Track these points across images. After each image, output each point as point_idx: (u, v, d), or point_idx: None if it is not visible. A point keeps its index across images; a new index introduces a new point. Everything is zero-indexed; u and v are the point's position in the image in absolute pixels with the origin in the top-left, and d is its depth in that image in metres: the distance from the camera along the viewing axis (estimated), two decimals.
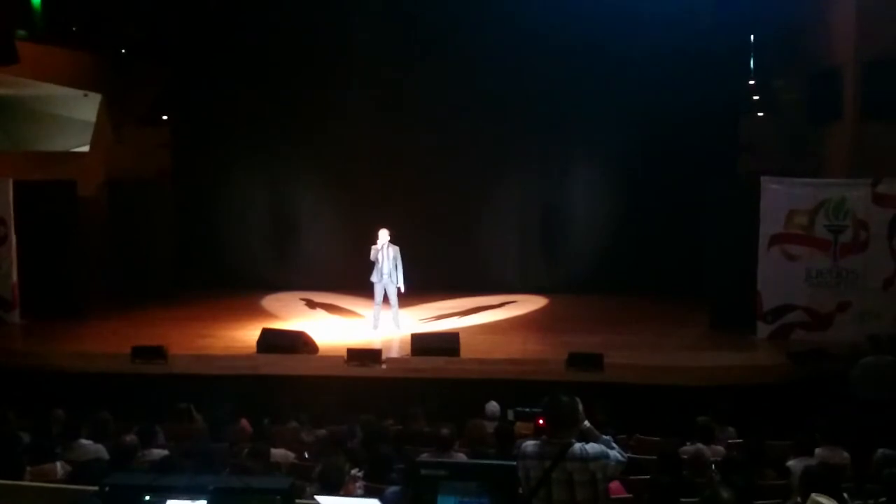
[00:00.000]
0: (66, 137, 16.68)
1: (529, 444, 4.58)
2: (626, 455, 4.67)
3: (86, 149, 16.02)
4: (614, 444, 4.58)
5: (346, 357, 10.37)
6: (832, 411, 7.95)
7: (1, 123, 16.57)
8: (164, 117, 16.09)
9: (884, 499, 5.49)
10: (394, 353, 11.03)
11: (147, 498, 3.73)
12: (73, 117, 16.47)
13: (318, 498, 4.84)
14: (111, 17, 14.42)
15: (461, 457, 6.50)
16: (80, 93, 15.44)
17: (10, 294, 12.80)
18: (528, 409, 5.46)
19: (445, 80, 14.76)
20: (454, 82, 14.73)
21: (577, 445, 4.42)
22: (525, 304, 14.43)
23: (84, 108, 15.91)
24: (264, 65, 15.23)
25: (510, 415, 8.06)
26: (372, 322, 12.34)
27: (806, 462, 6.45)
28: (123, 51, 15.23)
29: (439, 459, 6.00)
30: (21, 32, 13.18)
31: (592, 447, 4.44)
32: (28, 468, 6.18)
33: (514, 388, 9.41)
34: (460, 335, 11.01)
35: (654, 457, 6.71)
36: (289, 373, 10.32)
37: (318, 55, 15.05)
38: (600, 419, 6.70)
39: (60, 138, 16.73)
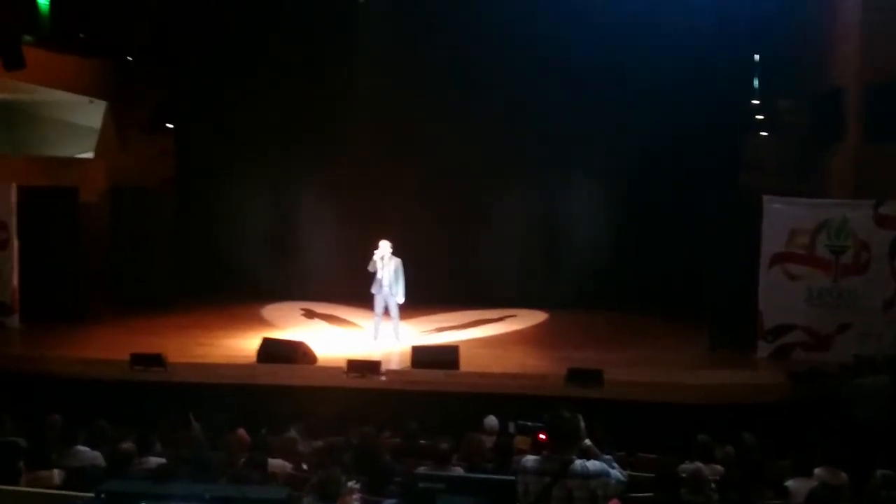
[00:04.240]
0: (71, 143, 16.69)
1: (530, 460, 4.56)
2: (626, 475, 4.64)
3: (90, 155, 16.03)
4: (615, 465, 4.56)
5: (345, 368, 10.34)
6: (831, 432, 7.93)
7: (6, 128, 16.58)
8: (169, 125, 16.13)
9: None
10: (393, 365, 11.01)
11: None
12: (78, 123, 16.48)
13: None
14: (118, 24, 14.46)
15: (459, 471, 6.48)
16: (85, 99, 15.46)
17: (10, 299, 12.81)
18: (530, 423, 5.45)
19: (447, 94, 14.81)
20: (456, 97, 14.76)
21: (578, 462, 4.39)
22: (525, 319, 14.41)
23: (89, 114, 15.93)
24: (269, 74, 15.31)
25: (511, 427, 8.05)
26: (372, 333, 12.33)
27: (804, 482, 6.43)
28: (129, 58, 15.28)
29: (437, 473, 5.98)
30: (27, 38, 13.21)
31: (593, 464, 4.41)
32: (24, 474, 6.17)
33: (514, 402, 9.37)
34: (460, 348, 10.99)
35: (652, 475, 6.69)
36: (287, 383, 10.29)
37: (323, 66, 15.12)
38: (599, 436, 6.68)
39: (65, 144, 16.74)
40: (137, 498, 3.75)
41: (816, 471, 6.74)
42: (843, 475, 6.79)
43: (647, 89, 14.05)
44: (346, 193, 15.43)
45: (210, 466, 6.37)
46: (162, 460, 6.85)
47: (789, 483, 6.62)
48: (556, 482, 4.34)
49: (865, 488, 6.48)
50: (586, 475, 4.36)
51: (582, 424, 4.49)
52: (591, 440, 4.64)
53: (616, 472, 4.45)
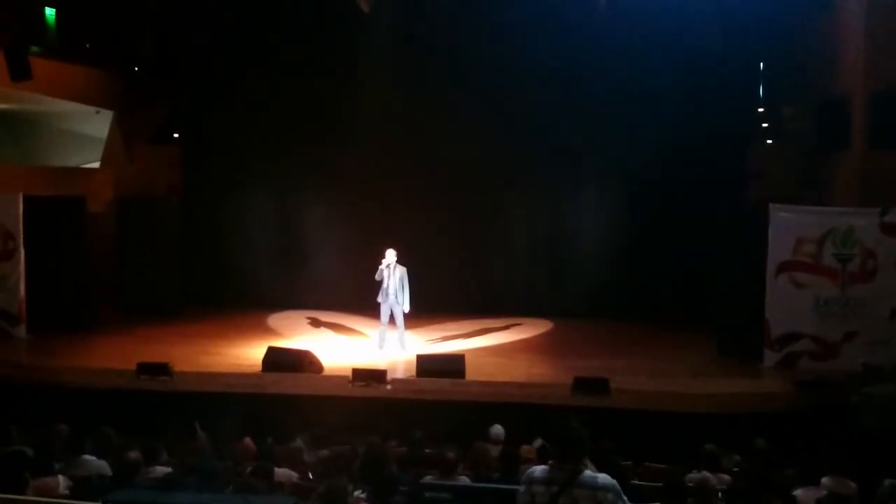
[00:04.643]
0: (77, 153, 16.79)
1: (537, 469, 4.54)
2: None
3: (97, 165, 16.12)
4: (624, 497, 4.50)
5: (351, 377, 10.35)
6: (839, 440, 7.90)
7: (13, 138, 16.70)
8: (175, 135, 16.19)
9: None
10: (399, 374, 11.00)
11: None
12: (85, 133, 16.59)
13: None
14: (124, 35, 14.55)
15: (465, 480, 6.47)
16: (92, 109, 15.56)
17: (17, 308, 12.83)
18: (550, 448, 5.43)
19: (455, 103, 14.83)
20: (463, 106, 14.78)
21: (587, 473, 4.37)
22: (531, 328, 14.40)
23: (96, 124, 16.03)
24: (275, 84, 15.35)
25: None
26: (377, 342, 12.33)
27: (812, 491, 6.40)
28: (136, 68, 15.36)
29: (443, 482, 5.97)
30: (35, 48, 13.30)
31: (602, 476, 4.38)
32: (30, 483, 6.17)
33: (520, 411, 9.37)
34: (466, 357, 10.98)
35: (659, 484, 6.66)
36: (293, 392, 10.28)
37: (330, 75, 15.17)
38: (606, 445, 6.67)
39: (71, 154, 16.84)
40: None
41: (824, 480, 6.70)
42: (851, 484, 6.74)
43: (651, 97, 14.05)
44: (352, 202, 15.47)
45: (216, 476, 6.35)
46: (168, 469, 6.85)
47: (797, 492, 6.59)
48: (564, 491, 4.32)
49: (873, 498, 6.45)
50: (594, 486, 4.33)
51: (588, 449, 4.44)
52: (598, 449, 4.60)
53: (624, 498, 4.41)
